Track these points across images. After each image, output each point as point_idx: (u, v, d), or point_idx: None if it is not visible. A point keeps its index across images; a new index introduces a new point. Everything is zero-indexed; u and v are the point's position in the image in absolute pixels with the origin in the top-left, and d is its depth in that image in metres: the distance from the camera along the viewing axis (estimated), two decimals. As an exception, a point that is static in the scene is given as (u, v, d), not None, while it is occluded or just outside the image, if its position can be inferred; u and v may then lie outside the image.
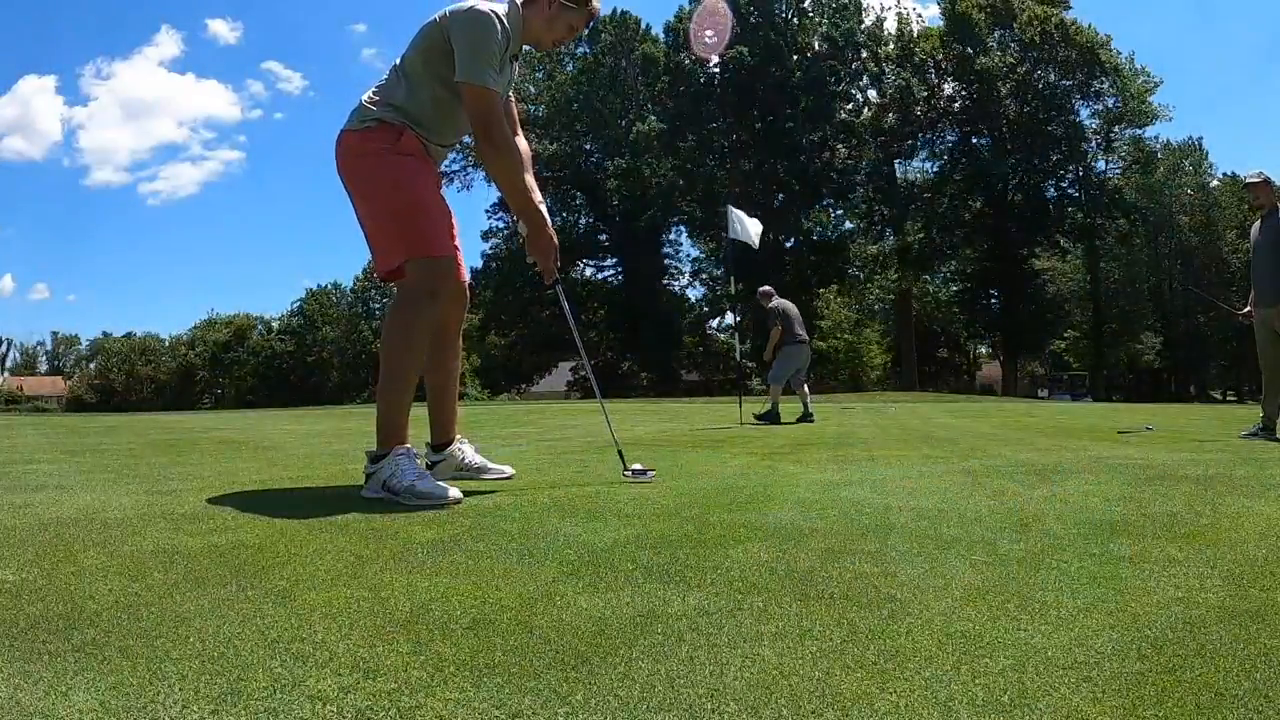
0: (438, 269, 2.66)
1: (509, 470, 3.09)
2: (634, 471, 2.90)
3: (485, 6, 2.56)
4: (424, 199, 2.69)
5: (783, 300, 9.63)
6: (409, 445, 2.58)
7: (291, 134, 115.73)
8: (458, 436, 3.02)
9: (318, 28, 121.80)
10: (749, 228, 8.69)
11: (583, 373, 44.18)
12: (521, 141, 2.93)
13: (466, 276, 2.90)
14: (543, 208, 2.79)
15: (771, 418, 8.81)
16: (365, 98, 2.70)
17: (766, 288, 9.94)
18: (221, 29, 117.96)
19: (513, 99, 2.98)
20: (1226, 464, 3.61)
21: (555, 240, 2.79)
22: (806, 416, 9.09)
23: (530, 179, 2.80)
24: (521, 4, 2.68)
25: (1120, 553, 1.74)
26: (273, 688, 1.01)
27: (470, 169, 42.70)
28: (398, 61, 2.73)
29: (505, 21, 2.60)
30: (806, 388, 9.40)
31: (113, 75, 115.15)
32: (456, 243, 2.78)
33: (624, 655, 1.12)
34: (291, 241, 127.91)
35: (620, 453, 3.02)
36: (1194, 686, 1.01)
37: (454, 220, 2.80)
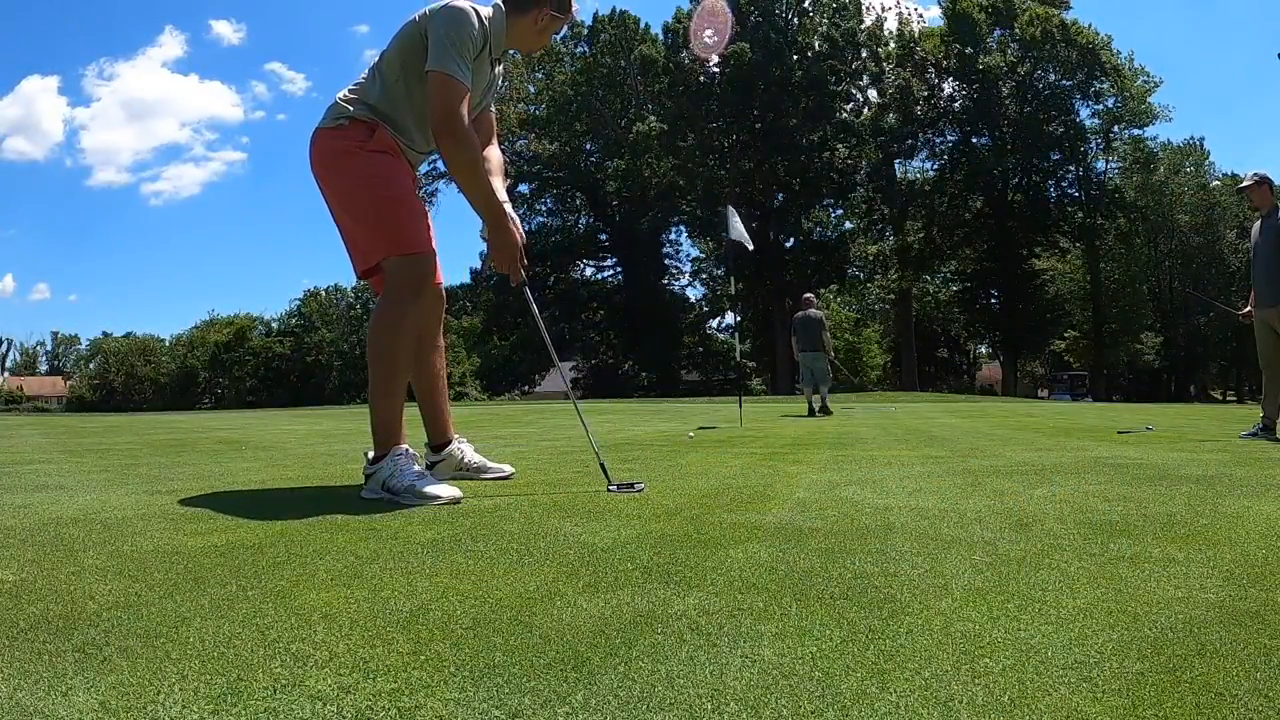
0: (419, 266, 2.62)
1: (509, 469, 3.09)
2: (620, 486, 2.69)
3: (465, 4, 2.55)
4: (402, 195, 2.65)
5: (808, 311, 11.08)
6: (407, 445, 2.58)
7: (294, 135, 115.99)
8: (456, 436, 3.02)
9: (321, 29, 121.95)
10: (742, 229, 8.81)
11: (583, 373, 44.21)
12: (494, 150, 2.89)
13: (443, 278, 2.89)
14: (508, 207, 2.73)
15: (810, 412, 10.53)
16: (340, 96, 2.68)
17: (806, 296, 11.64)
18: (225, 30, 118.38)
19: (493, 110, 2.95)
20: (1226, 464, 3.61)
21: (521, 240, 2.71)
22: (811, 413, 10.54)
23: (499, 184, 2.76)
24: (508, 11, 2.68)
25: (1120, 553, 1.74)
26: (273, 688, 1.01)
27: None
28: (376, 60, 2.71)
29: (485, 22, 2.59)
30: (823, 390, 10.86)
31: (116, 76, 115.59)
32: (434, 245, 2.74)
33: (624, 655, 1.12)
34: (293, 243, 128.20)
35: (603, 465, 2.81)
36: (1194, 686, 1.01)
37: (430, 222, 2.76)
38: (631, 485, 2.70)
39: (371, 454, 2.59)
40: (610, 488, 2.69)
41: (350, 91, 2.67)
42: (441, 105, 2.47)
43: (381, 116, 2.63)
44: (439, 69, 2.46)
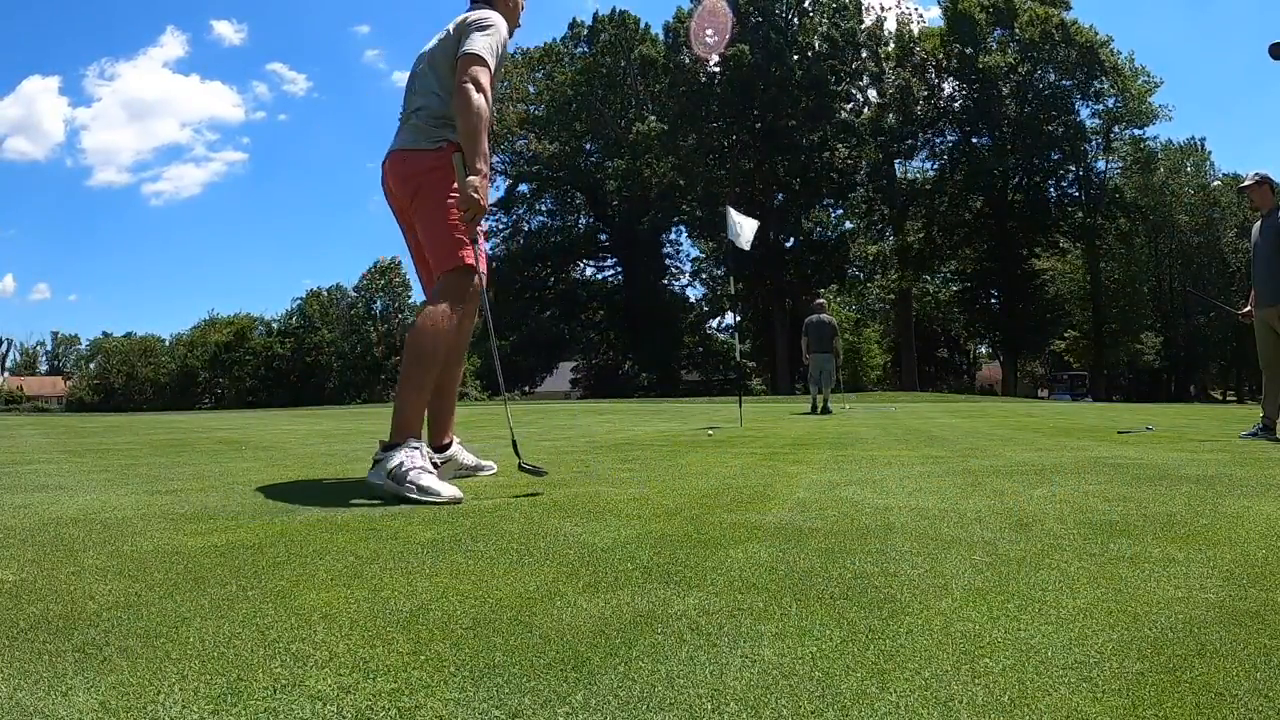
0: (472, 282, 2.85)
1: (494, 466, 3.26)
2: (527, 467, 2.83)
3: (495, 15, 2.89)
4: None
5: (818, 315, 11.88)
6: (423, 441, 2.64)
7: (295, 135, 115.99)
8: (456, 439, 3.07)
9: (322, 29, 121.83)
10: (745, 229, 8.69)
11: (583, 373, 44.22)
12: None
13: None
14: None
15: (814, 410, 11.43)
16: (423, 120, 2.86)
17: (818, 301, 12.56)
18: (226, 30, 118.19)
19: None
20: (1226, 464, 3.61)
21: (485, 207, 2.78)
22: (814, 409, 11.38)
23: None
24: (497, 7, 3.00)
25: (1120, 553, 1.74)
26: (273, 688, 1.01)
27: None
28: (433, 83, 2.88)
29: (504, 31, 2.92)
30: (827, 390, 11.76)
31: (117, 76, 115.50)
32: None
33: (624, 655, 1.12)
34: (293, 243, 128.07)
35: (514, 443, 2.95)
36: (1194, 686, 1.01)
37: None
38: (536, 470, 2.82)
39: (385, 440, 2.64)
40: (522, 466, 2.82)
41: (432, 114, 2.86)
42: (462, 72, 2.73)
43: None
44: (467, 51, 2.75)
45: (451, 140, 2.81)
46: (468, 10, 2.97)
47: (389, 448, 2.59)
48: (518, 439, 3.00)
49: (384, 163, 2.96)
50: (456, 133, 2.77)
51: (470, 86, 2.69)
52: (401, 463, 2.52)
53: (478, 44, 2.76)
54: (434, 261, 2.85)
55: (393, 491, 2.47)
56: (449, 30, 2.89)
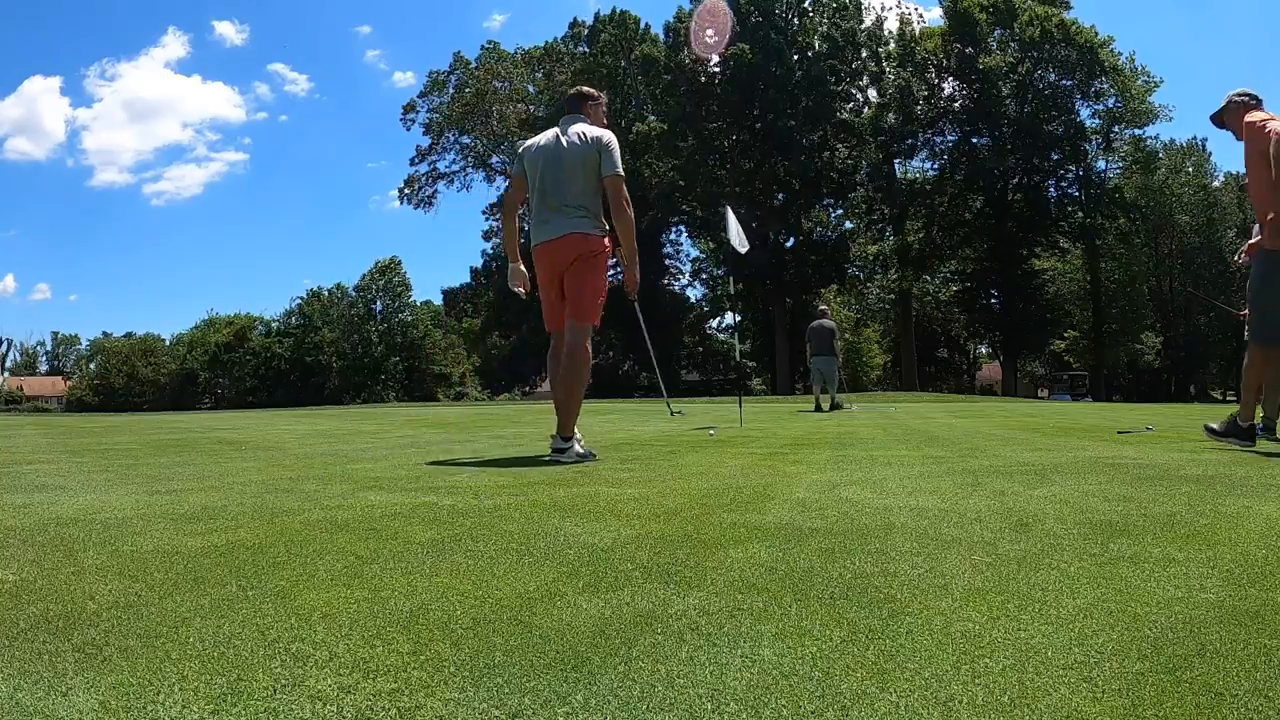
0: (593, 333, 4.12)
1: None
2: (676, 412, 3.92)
3: (609, 133, 4.00)
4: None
5: (820, 321, 12.78)
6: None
7: (297, 136, 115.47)
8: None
9: (324, 30, 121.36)
10: (739, 233, 8.66)
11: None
12: None
13: None
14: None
15: (817, 408, 12.21)
16: (590, 216, 3.97)
17: (821, 307, 13.89)
18: (228, 30, 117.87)
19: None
20: (1226, 464, 3.61)
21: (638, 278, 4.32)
22: (819, 408, 12.05)
23: None
24: (593, 120, 4.09)
25: (1120, 553, 1.74)
26: (273, 688, 1.01)
27: (469, 170, 42.94)
28: (586, 187, 3.94)
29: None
30: (830, 390, 12.62)
31: (118, 76, 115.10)
32: None
33: (624, 655, 1.12)
34: (293, 243, 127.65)
35: (668, 403, 3.75)
36: (1194, 686, 1.01)
37: None
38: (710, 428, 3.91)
39: (560, 435, 3.88)
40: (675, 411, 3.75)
41: (593, 212, 3.98)
42: (617, 193, 3.93)
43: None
44: (616, 172, 3.94)
45: (608, 232, 4.04)
46: (576, 116, 4.06)
47: (567, 439, 3.88)
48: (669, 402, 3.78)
49: (556, 239, 3.96)
50: (609, 225, 4.01)
51: (626, 205, 3.94)
52: (582, 448, 3.92)
53: (618, 165, 3.94)
54: (586, 312, 4.04)
55: (580, 461, 3.78)
56: (578, 139, 3.93)
